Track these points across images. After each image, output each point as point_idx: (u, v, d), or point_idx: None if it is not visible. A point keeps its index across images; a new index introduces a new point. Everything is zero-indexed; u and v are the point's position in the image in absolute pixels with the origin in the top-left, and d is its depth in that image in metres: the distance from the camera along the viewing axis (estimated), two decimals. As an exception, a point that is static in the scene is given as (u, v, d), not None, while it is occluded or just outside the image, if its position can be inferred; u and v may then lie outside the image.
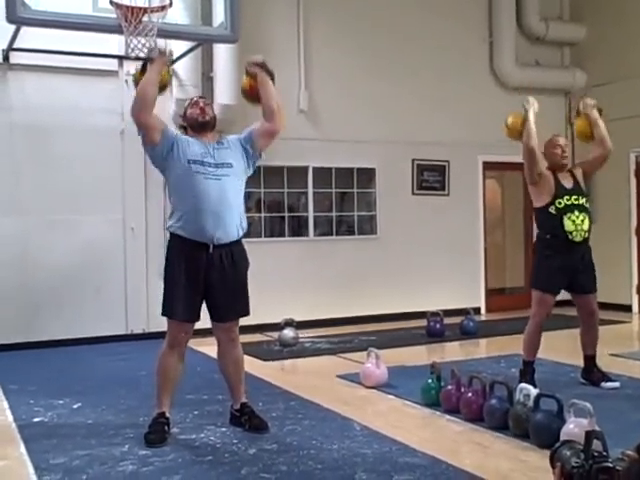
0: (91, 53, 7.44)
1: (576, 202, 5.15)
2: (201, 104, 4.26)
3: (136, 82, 4.31)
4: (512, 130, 5.35)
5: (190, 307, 4.10)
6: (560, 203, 5.12)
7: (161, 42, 6.26)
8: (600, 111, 5.40)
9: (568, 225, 5.09)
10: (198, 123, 4.22)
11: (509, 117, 5.40)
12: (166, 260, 4.19)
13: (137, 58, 6.59)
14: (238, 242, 4.23)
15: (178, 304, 4.08)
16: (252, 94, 4.42)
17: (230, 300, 4.17)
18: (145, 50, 6.10)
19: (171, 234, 4.17)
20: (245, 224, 4.29)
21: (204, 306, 4.22)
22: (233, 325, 4.27)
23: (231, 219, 4.12)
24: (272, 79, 4.35)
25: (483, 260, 9.85)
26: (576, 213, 5.11)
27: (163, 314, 4.17)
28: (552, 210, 5.14)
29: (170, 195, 4.25)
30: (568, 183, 5.22)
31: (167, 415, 4.17)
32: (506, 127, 5.38)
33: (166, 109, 7.86)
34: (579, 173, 5.32)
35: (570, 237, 5.09)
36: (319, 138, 8.75)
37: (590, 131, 5.40)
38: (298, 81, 8.70)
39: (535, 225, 5.50)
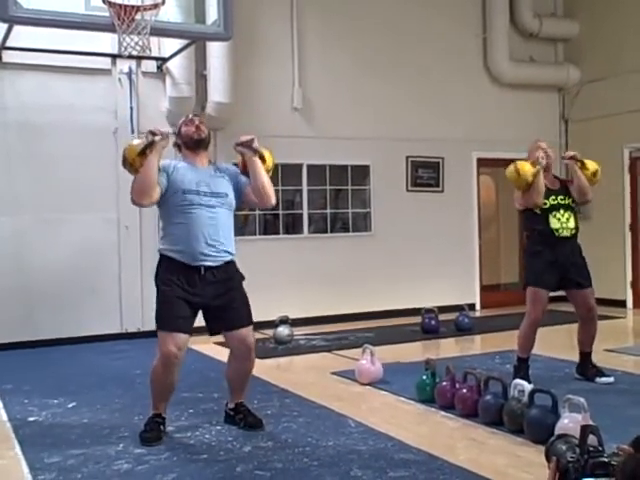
0: (84, 52, 7.44)
1: (562, 202, 5.20)
2: (196, 122, 4.21)
3: (125, 159, 4.08)
4: (522, 180, 5.14)
5: (185, 322, 4.02)
6: (545, 204, 5.15)
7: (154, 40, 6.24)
8: (582, 163, 5.29)
9: (553, 223, 5.14)
10: (193, 141, 4.17)
11: (520, 165, 5.16)
12: (157, 277, 4.11)
13: (130, 56, 6.60)
14: (230, 262, 4.18)
15: (173, 319, 3.99)
16: (244, 171, 4.31)
17: (233, 312, 4.12)
18: (138, 48, 6.09)
19: (162, 255, 4.13)
20: (234, 248, 4.22)
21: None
22: (248, 334, 4.17)
23: (222, 246, 4.10)
24: (261, 158, 4.23)
25: (478, 256, 9.86)
26: (561, 211, 5.16)
27: (158, 327, 4.07)
28: (537, 210, 5.17)
29: (161, 218, 4.18)
30: (553, 185, 5.26)
31: (163, 415, 4.17)
32: (517, 175, 5.15)
33: (159, 108, 7.88)
34: (569, 186, 5.32)
35: (556, 234, 5.13)
36: (313, 135, 8.75)
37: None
38: (292, 78, 8.68)
39: (522, 226, 5.51)
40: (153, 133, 4.02)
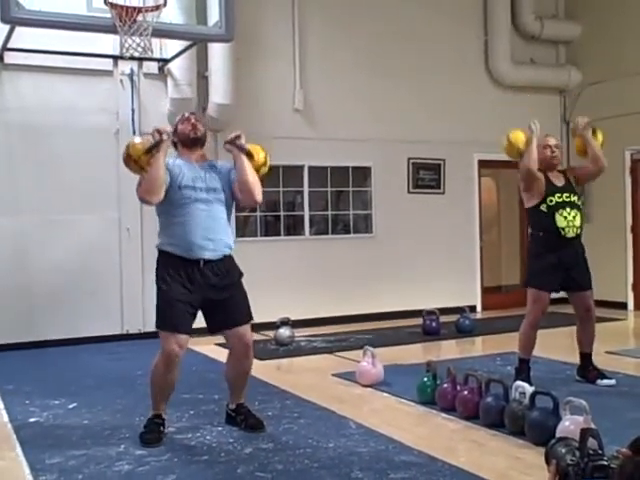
0: (86, 53, 7.45)
1: (567, 199, 5.18)
2: (193, 120, 4.24)
3: (129, 158, 4.09)
4: (513, 148, 5.22)
5: (186, 321, 4.04)
6: (551, 201, 5.15)
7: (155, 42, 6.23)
8: (594, 130, 5.36)
9: (560, 221, 5.11)
10: (190, 139, 4.20)
11: (512, 133, 5.27)
12: (157, 275, 4.13)
13: (132, 58, 6.60)
14: (228, 256, 4.21)
15: (173, 318, 4.01)
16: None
17: (233, 308, 4.14)
18: (139, 50, 6.10)
19: (160, 251, 4.15)
20: (233, 242, 4.26)
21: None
22: (246, 331, 4.20)
23: (220, 239, 4.12)
24: (248, 155, 4.19)
25: (479, 258, 9.85)
26: (567, 209, 5.14)
27: (158, 328, 4.09)
28: (543, 208, 5.16)
29: (159, 215, 4.19)
30: (559, 182, 5.25)
31: (163, 416, 4.17)
32: (508, 142, 5.25)
33: (161, 109, 7.88)
34: (571, 176, 5.34)
35: (562, 233, 5.11)
36: (314, 137, 8.75)
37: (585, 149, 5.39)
38: (293, 80, 8.68)
39: (528, 224, 5.50)
40: (160, 132, 4.05)
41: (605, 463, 2.87)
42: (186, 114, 4.38)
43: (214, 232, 4.09)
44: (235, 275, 4.22)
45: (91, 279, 7.62)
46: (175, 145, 4.27)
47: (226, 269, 4.15)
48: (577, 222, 5.16)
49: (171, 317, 4.03)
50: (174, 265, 4.06)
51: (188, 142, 4.21)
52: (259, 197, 4.17)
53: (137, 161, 4.04)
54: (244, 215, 8.45)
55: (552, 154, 5.25)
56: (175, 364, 4.06)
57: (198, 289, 4.05)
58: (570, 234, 5.13)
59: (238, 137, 4.19)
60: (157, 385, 4.14)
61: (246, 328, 4.20)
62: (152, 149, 4.01)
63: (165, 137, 4.04)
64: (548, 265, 5.14)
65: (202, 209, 4.07)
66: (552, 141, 5.33)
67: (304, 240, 8.84)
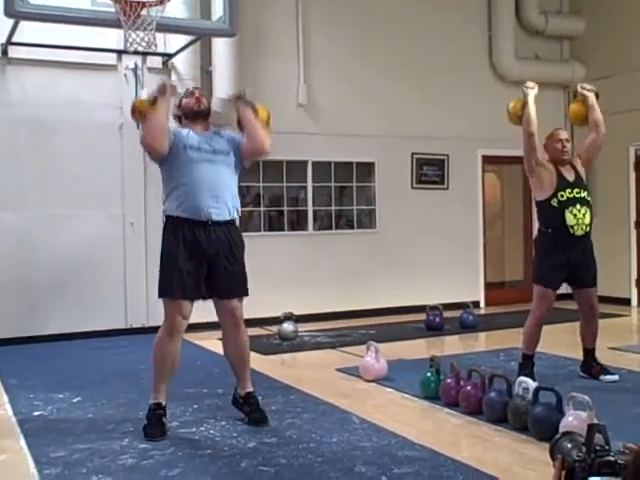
0: (90, 47, 7.44)
1: (578, 195, 5.15)
2: (197, 94, 4.35)
3: (135, 110, 4.33)
4: (512, 115, 5.41)
5: (190, 285, 4.08)
6: (562, 196, 5.12)
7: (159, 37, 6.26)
8: (597, 95, 5.43)
9: (570, 219, 5.08)
10: (193, 112, 4.29)
11: (511, 102, 5.46)
12: (163, 242, 4.18)
13: (136, 52, 6.60)
14: (233, 223, 4.26)
15: (178, 283, 4.07)
16: (240, 126, 4.38)
17: (232, 277, 4.19)
18: (143, 44, 6.11)
19: (167, 217, 4.20)
20: (238, 205, 4.32)
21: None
22: (237, 307, 4.25)
23: (225, 198, 4.17)
24: (253, 110, 4.32)
25: (482, 254, 9.85)
26: (578, 207, 5.11)
27: (161, 295, 4.14)
28: (554, 203, 5.13)
29: (165, 179, 4.24)
30: (570, 176, 5.22)
31: (164, 405, 4.16)
32: (507, 112, 5.44)
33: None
34: (579, 164, 5.32)
35: (571, 231, 5.08)
36: (318, 132, 8.74)
37: (585, 114, 5.43)
38: (297, 75, 8.68)
39: (537, 219, 5.49)
40: (165, 83, 4.27)
41: (612, 459, 2.85)
42: (190, 88, 4.53)
43: (219, 191, 4.14)
44: (239, 246, 4.27)
45: (95, 273, 7.63)
46: (179, 119, 4.37)
47: (232, 237, 4.19)
48: (586, 220, 5.13)
49: (176, 285, 4.07)
50: (180, 229, 4.10)
51: (192, 115, 4.30)
52: (268, 145, 4.27)
53: (142, 111, 4.24)
54: (248, 210, 8.44)
55: (563, 148, 5.24)
56: (179, 334, 4.13)
57: (203, 253, 4.09)
58: (579, 232, 5.10)
59: (243, 93, 4.35)
60: (159, 361, 4.14)
61: (237, 304, 4.25)
62: (157, 98, 4.16)
63: (168, 86, 4.21)
64: (556, 263, 5.12)
65: (208, 169, 4.13)
66: (563, 135, 5.32)
67: (308, 235, 8.84)
